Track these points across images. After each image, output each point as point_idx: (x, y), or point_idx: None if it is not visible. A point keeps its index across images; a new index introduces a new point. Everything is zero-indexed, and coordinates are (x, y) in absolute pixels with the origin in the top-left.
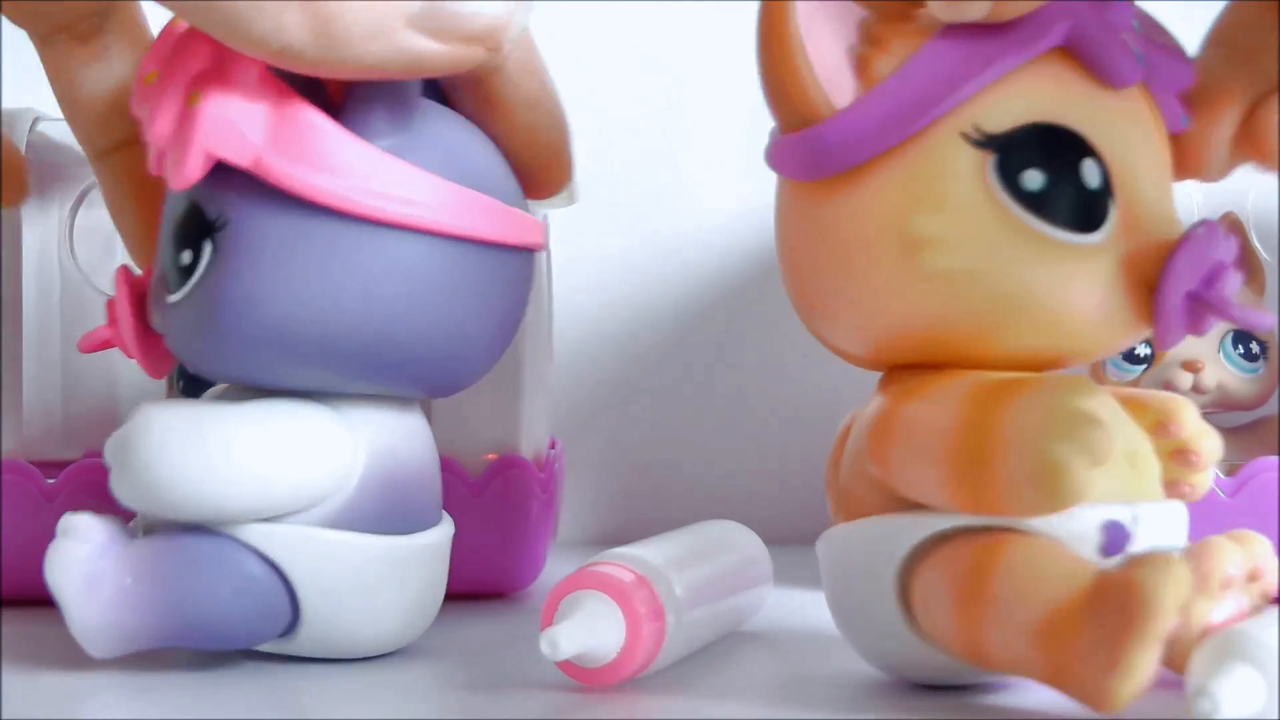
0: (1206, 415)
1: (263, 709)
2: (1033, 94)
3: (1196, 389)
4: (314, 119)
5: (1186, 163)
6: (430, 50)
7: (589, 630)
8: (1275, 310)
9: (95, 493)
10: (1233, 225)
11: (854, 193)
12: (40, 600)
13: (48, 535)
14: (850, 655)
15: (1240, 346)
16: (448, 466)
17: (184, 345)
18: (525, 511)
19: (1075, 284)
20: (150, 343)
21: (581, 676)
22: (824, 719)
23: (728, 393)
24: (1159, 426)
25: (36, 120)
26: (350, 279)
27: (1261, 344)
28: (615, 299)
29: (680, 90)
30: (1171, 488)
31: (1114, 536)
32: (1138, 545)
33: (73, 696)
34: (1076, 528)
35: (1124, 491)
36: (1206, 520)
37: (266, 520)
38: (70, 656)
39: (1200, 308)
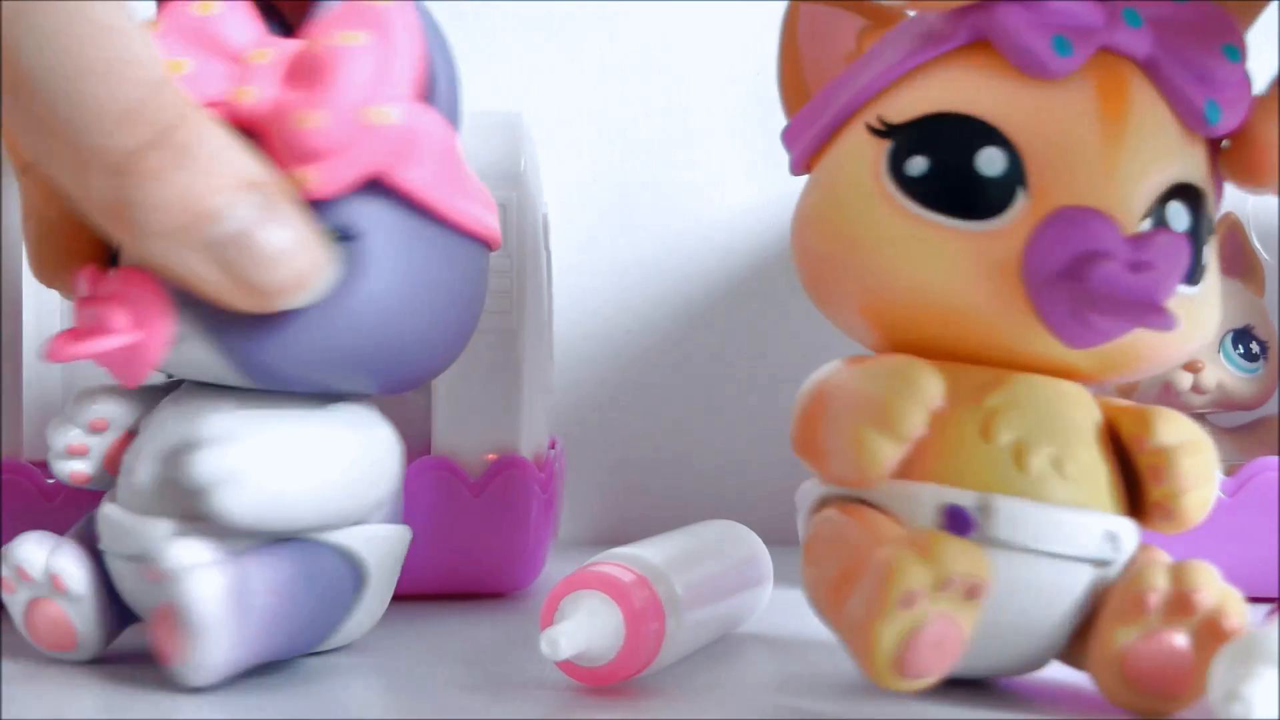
0: (1206, 415)
1: (261, 709)
2: (943, 86)
3: (1196, 389)
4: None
5: (1251, 168)
6: (210, 278)
7: (589, 630)
8: (1275, 310)
9: (95, 493)
10: (1233, 225)
11: (806, 186)
12: None
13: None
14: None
15: (1240, 346)
16: (448, 466)
17: (265, 355)
18: (525, 511)
19: (957, 269)
20: None
21: (581, 676)
22: (824, 719)
23: (728, 393)
24: (1135, 439)
25: None
26: (442, 284)
27: (1262, 344)
28: (615, 299)
29: (679, 91)
30: (1156, 509)
31: (954, 521)
32: (991, 536)
33: (73, 696)
34: (914, 507)
35: (981, 480)
36: (1208, 521)
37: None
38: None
39: (1079, 300)
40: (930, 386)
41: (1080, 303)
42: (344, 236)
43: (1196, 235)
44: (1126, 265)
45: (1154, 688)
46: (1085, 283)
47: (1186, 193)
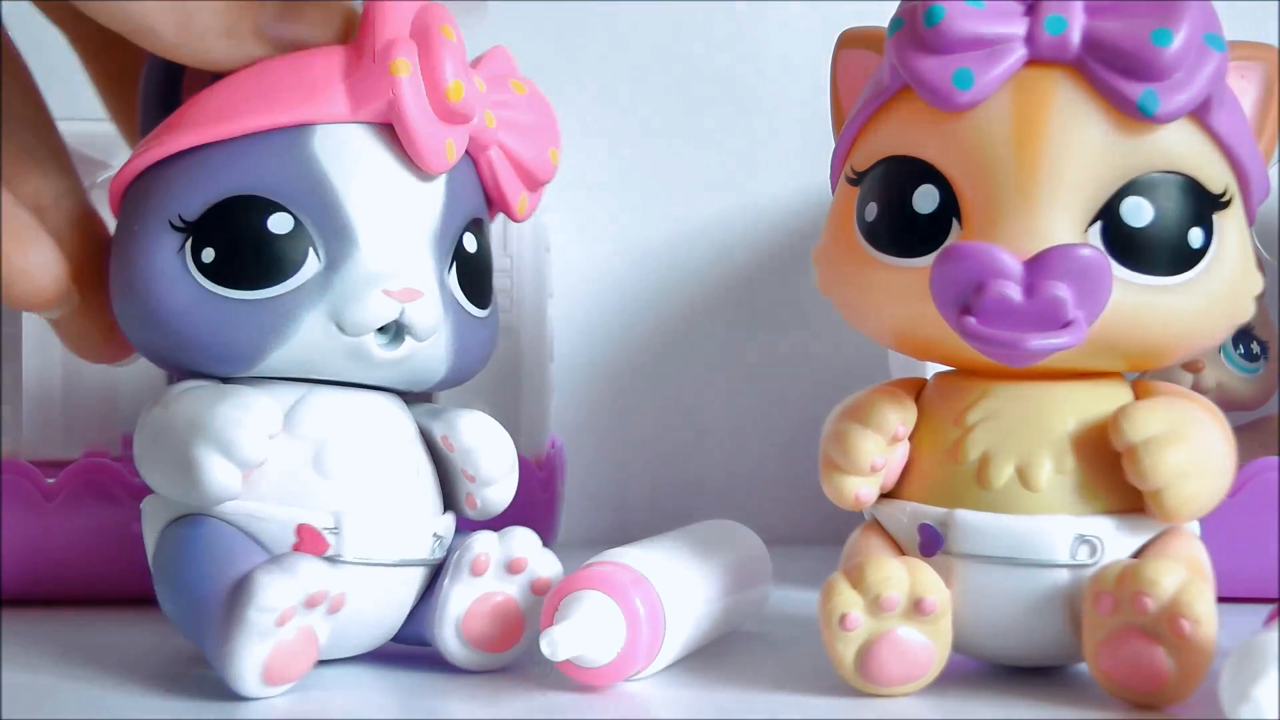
0: None
1: (262, 709)
2: (892, 130)
3: (1196, 389)
4: None
5: None
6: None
7: (589, 630)
8: (1275, 310)
9: (95, 492)
10: None
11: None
12: (40, 600)
13: (48, 535)
14: None
15: (1240, 346)
16: None
17: (471, 356)
18: (525, 511)
19: (905, 306)
20: None
21: (581, 676)
22: (823, 719)
23: (728, 393)
24: (1113, 437)
25: None
26: None
27: (1262, 344)
28: (615, 299)
29: (681, 92)
30: (1148, 503)
31: (926, 538)
32: (954, 550)
33: (72, 696)
34: (899, 525)
35: (947, 496)
36: (1208, 521)
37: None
38: (70, 656)
39: (978, 330)
40: (888, 418)
41: (979, 333)
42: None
43: (1167, 225)
44: (1021, 286)
45: (1129, 684)
46: (977, 312)
47: (1151, 184)
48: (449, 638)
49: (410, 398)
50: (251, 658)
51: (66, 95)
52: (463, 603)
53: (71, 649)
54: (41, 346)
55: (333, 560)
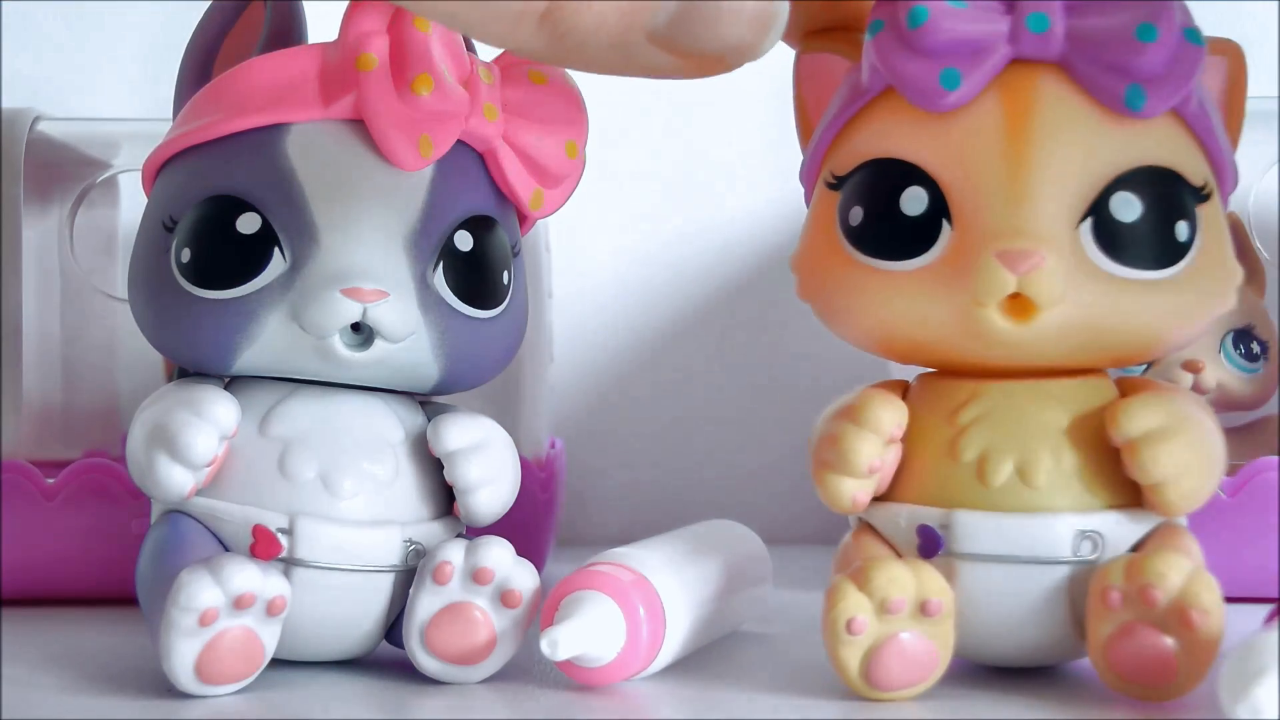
0: None
1: (263, 710)
2: (871, 134)
3: (1196, 389)
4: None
5: None
6: (666, 64)
7: (589, 630)
8: (1275, 310)
9: (95, 492)
10: (1234, 225)
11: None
12: (40, 600)
13: (48, 535)
14: None
15: (1240, 346)
16: None
17: (472, 358)
18: (525, 511)
19: (894, 309)
20: None
21: (581, 676)
22: (823, 719)
23: (728, 393)
24: (1110, 431)
25: (36, 120)
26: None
27: (1262, 344)
28: (616, 299)
29: (683, 91)
30: (1146, 497)
31: (926, 539)
32: (956, 551)
33: (72, 696)
34: (894, 527)
35: (946, 497)
36: (1208, 521)
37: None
38: (70, 656)
39: None
40: (884, 419)
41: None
42: (515, 253)
43: (1155, 219)
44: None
45: (1138, 678)
46: None
47: (1138, 178)
48: (415, 647)
49: (423, 399)
50: (179, 656)
51: (66, 95)
52: (427, 611)
53: (72, 649)
54: (41, 347)
55: (288, 562)
